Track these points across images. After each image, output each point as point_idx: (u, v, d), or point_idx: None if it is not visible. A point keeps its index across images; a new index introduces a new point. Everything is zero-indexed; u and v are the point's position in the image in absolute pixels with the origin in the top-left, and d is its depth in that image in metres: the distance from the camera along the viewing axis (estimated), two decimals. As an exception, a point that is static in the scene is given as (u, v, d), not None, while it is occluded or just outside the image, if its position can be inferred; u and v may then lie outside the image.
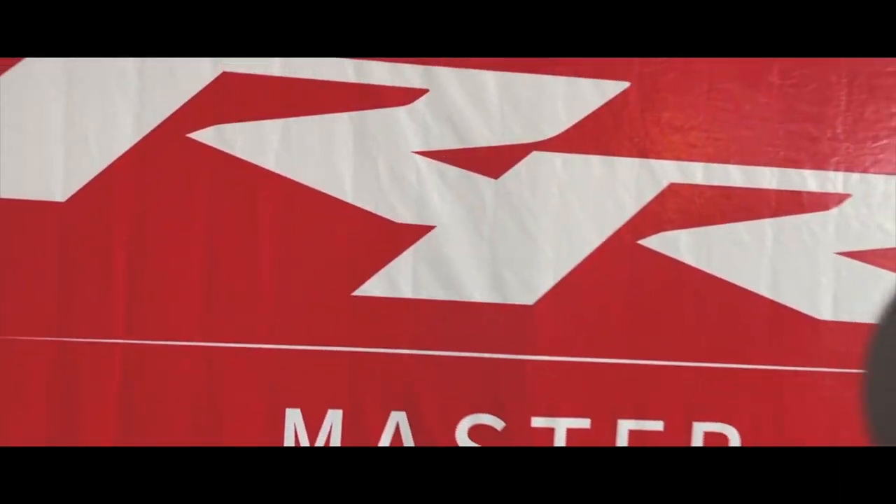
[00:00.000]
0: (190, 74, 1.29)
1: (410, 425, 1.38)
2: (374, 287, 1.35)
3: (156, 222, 1.30)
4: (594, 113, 1.36)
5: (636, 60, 1.37)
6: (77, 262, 1.28)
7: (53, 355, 1.29)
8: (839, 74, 1.40)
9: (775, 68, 1.39)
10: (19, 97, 1.26)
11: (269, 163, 1.33)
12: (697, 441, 1.42)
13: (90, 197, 1.28)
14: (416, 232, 1.36)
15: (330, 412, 1.36)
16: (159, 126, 1.29)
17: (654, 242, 1.40)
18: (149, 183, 1.29)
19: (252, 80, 1.30)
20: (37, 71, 1.26)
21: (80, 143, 1.28)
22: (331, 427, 1.36)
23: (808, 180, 1.41)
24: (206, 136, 1.30)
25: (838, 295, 1.43)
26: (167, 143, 1.29)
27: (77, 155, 1.28)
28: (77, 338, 1.28)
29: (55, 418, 1.28)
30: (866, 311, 1.43)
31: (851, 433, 1.43)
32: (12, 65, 1.25)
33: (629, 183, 1.38)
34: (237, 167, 1.31)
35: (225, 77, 1.30)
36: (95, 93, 1.27)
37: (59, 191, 1.27)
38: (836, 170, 1.42)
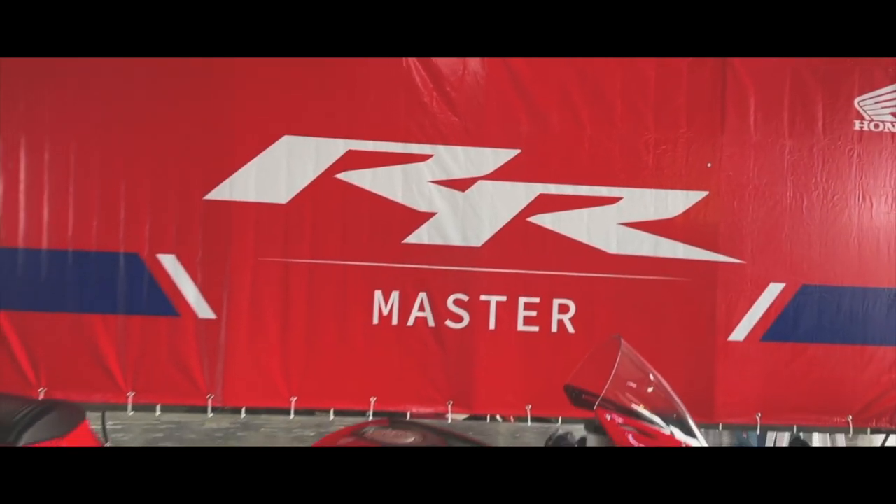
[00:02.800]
0: (336, 151, 3.12)
1: (428, 299, 3.17)
2: (411, 238, 3.15)
3: (323, 211, 3.12)
4: (505, 164, 3.15)
5: (523, 135, 3.15)
6: (291, 228, 3.11)
7: (281, 267, 3.12)
8: (613, 143, 3.17)
9: (585, 144, 3.16)
10: (268, 161, 3.10)
11: (367, 185, 3.14)
12: (555, 306, 3.18)
13: (297, 200, 3.11)
14: (430, 215, 3.16)
15: (393, 292, 3.16)
16: (323, 171, 3.12)
17: (534, 219, 3.17)
18: (320, 195, 3.12)
19: (362, 152, 3.12)
20: (274, 152, 3.10)
21: (292, 177, 3.11)
22: (394, 300, 3.16)
23: (602, 191, 3.18)
24: (343, 175, 3.12)
25: (620, 240, 3.18)
26: (326, 179, 3.12)
27: (291, 182, 3.11)
28: (294, 259, 3.11)
29: (289, 287, 3.11)
30: (628, 246, 3.17)
31: (632, 302, 3.16)
32: (268, 147, 3.09)
33: (521, 193, 3.16)
34: (355, 188, 3.13)
35: (349, 151, 3.13)
36: (299, 158, 3.11)
37: (284, 198, 3.12)
38: (616, 186, 3.18)
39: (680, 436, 1.57)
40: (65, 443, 1.62)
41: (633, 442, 1.47)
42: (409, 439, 1.53)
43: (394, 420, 1.68)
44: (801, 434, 5.45)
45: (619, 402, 1.55)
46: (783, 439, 5.09)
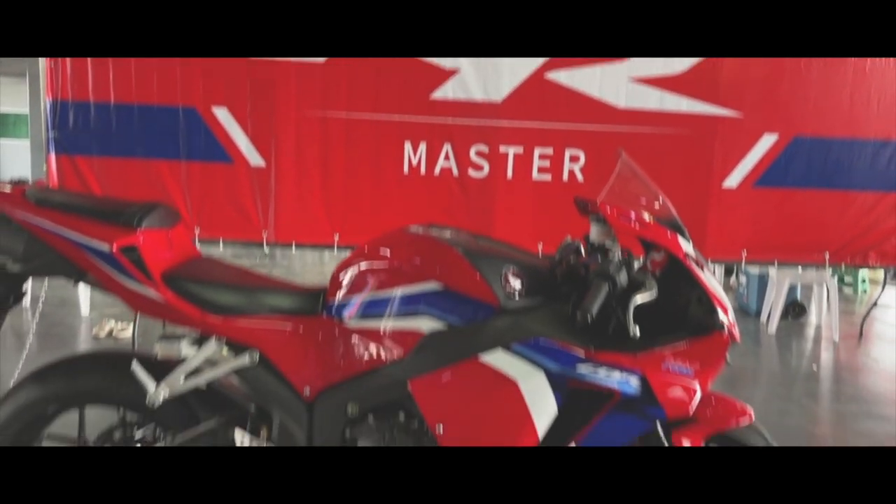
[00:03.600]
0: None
1: (452, 150, 3.53)
2: (437, 94, 3.47)
3: (356, 69, 3.42)
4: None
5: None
6: (329, 86, 3.43)
7: (320, 121, 3.47)
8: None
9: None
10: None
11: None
12: (567, 157, 3.53)
13: (333, 59, 3.42)
14: (454, 72, 3.46)
15: (421, 143, 3.52)
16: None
17: (550, 76, 3.46)
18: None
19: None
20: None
21: (328, 38, 3.40)
22: (422, 151, 3.53)
23: (615, 48, 3.43)
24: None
25: (628, 95, 3.48)
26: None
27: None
28: (331, 113, 3.46)
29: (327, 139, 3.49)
30: (636, 100, 3.47)
31: (637, 153, 3.50)
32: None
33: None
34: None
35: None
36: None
37: (321, 57, 3.42)
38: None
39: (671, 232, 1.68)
40: (172, 233, 2.03)
41: (634, 226, 1.62)
42: (447, 234, 1.90)
43: (431, 224, 2.07)
44: (799, 291, 5.85)
45: (621, 205, 1.66)
46: (780, 295, 5.52)
